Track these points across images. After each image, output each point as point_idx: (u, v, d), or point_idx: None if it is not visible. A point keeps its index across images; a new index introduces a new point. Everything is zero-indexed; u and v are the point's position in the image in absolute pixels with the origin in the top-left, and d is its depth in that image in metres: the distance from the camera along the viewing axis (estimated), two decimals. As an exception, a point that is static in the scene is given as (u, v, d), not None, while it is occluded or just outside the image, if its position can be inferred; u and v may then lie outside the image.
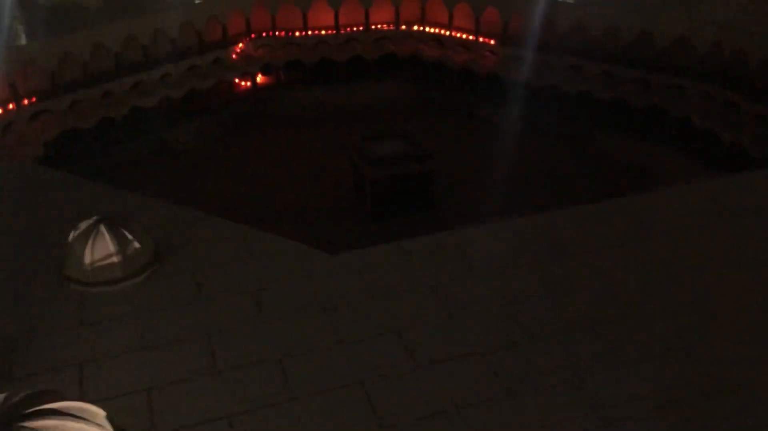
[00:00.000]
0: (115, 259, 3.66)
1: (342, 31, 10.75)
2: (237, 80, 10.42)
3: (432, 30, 10.82)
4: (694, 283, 3.56)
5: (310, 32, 10.69)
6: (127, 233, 3.73)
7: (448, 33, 10.64)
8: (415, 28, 10.89)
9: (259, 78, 10.72)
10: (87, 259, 3.65)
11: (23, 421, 2.04)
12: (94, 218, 3.75)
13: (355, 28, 10.81)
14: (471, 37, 10.38)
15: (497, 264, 3.80)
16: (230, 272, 3.78)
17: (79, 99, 8.43)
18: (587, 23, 9.05)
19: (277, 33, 10.65)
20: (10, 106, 7.90)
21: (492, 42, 10.18)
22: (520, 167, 8.04)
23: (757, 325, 3.24)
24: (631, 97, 8.68)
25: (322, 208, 7.52)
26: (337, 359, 3.12)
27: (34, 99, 8.13)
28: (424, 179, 7.13)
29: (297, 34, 10.66)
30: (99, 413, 2.27)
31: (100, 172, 7.96)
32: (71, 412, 2.22)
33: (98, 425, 2.21)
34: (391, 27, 10.91)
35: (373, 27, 10.85)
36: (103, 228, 3.68)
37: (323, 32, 10.72)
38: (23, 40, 8.29)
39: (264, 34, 10.60)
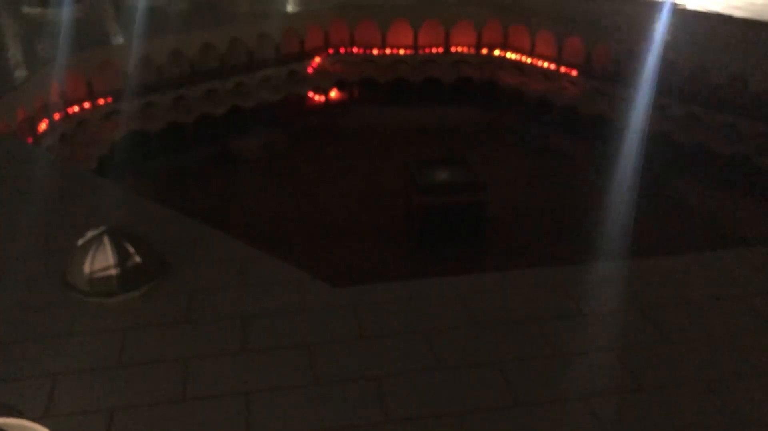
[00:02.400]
0: (113, 272, 3.63)
1: (420, 52, 10.61)
2: (310, 94, 10.48)
3: (513, 56, 10.50)
4: None
5: (387, 51, 10.61)
6: (129, 246, 3.69)
7: (529, 60, 10.29)
8: (496, 53, 10.60)
9: (333, 93, 10.74)
10: (86, 269, 3.63)
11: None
12: (102, 228, 3.73)
13: (434, 50, 10.65)
14: (552, 66, 10.00)
15: (500, 317, 3.50)
16: (222, 297, 3.67)
17: (152, 102, 8.68)
18: (675, 61, 8.50)
19: (354, 50, 10.64)
20: (86, 105, 8.22)
21: (573, 72, 9.76)
22: (584, 207, 7.58)
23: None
24: (716, 143, 8.06)
25: (370, 232, 7.36)
26: (307, 403, 2.94)
27: (110, 99, 8.43)
28: (476, 209, 6.84)
29: (374, 51, 10.60)
30: (41, 432, 2.20)
31: (156, 177, 8.20)
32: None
33: (34, 446, 2.15)
34: (471, 50, 10.67)
35: (452, 50, 10.65)
36: (106, 239, 3.66)
37: (401, 51, 10.61)
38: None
39: (341, 50, 10.62)
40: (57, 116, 7.64)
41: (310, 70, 10.34)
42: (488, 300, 3.65)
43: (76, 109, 8.08)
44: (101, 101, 8.32)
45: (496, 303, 3.63)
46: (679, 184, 8.30)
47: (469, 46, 10.66)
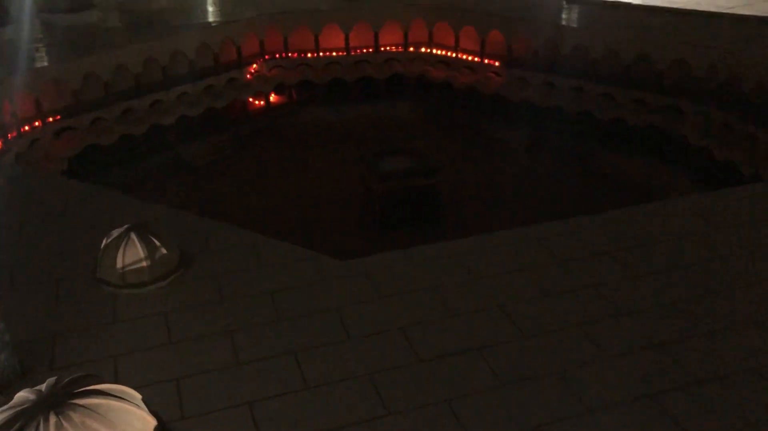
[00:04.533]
0: (144, 264, 4.00)
1: (352, 53, 11.16)
2: (251, 99, 10.84)
3: (439, 52, 11.21)
4: (678, 289, 3.85)
5: (321, 54, 11.10)
6: (155, 240, 4.07)
7: (454, 55, 11.03)
8: (423, 50, 11.29)
9: (273, 97, 11.14)
10: (119, 263, 3.98)
11: (73, 399, 2.36)
12: (126, 226, 4.08)
13: (365, 50, 11.23)
14: (476, 59, 10.77)
15: (495, 271, 4.10)
16: (247, 277, 4.10)
17: (101, 117, 8.84)
18: (589, 46, 9.40)
19: (289, 54, 11.07)
20: (36, 123, 8.31)
21: (497, 63, 10.55)
22: (524, 183, 8.38)
23: (737, 325, 3.53)
24: (630, 117, 9.01)
25: (332, 220, 7.87)
26: (346, 354, 3.43)
27: (58, 117, 8.54)
28: (431, 193, 7.48)
29: (309, 55, 11.07)
30: (136, 395, 2.60)
31: (119, 187, 8.39)
32: (113, 393, 2.55)
33: (136, 405, 2.54)
34: (400, 49, 11.32)
35: (382, 49, 11.26)
36: (133, 235, 4.02)
37: (334, 54, 11.14)
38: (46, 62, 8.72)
39: (277, 56, 11.03)
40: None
41: (249, 76, 10.70)
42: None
43: None
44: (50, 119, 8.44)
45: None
46: (600, 154, 9.24)
47: (397, 45, 11.31)
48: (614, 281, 3.94)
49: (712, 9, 10.18)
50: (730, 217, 4.64)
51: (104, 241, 4.10)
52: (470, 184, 8.70)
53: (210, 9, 11.55)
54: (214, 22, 10.65)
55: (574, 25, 10.09)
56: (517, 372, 3.27)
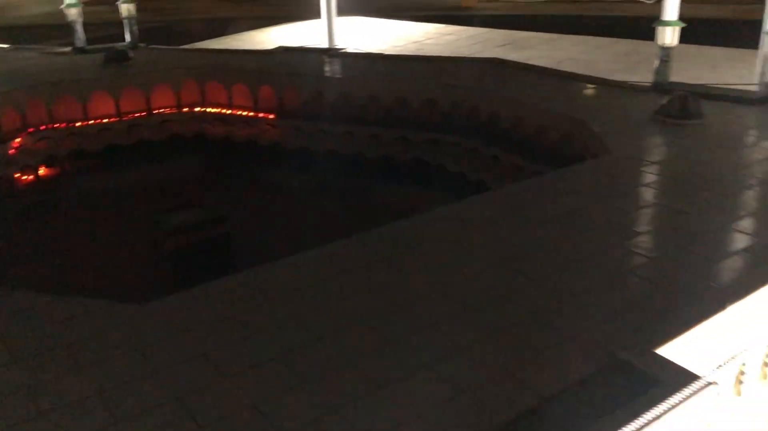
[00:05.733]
0: None
1: (125, 118, 11.10)
2: (18, 174, 10.30)
3: (214, 110, 11.55)
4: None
5: (92, 121, 10.91)
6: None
7: (229, 111, 11.43)
8: (198, 109, 11.55)
9: (43, 170, 10.67)
10: None
11: None
12: None
13: (137, 114, 11.22)
14: (251, 114, 11.27)
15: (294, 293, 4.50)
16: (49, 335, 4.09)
17: None
18: (352, 94, 10.33)
19: (56, 125, 10.73)
20: None
21: (271, 116, 11.13)
22: (306, 222, 8.92)
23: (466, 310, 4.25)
24: (396, 153, 10.02)
25: (124, 283, 7.78)
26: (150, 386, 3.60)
27: None
28: (221, 242, 7.73)
29: (78, 124, 10.82)
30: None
31: None
32: None
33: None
34: (174, 110, 11.47)
35: (155, 111, 11.33)
36: None
37: (106, 120, 11.00)
38: None
39: (42, 127, 10.63)
40: None
41: (12, 151, 10.18)
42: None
43: None
44: None
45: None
46: (372, 189, 10.13)
47: (171, 107, 11.45)
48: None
49: (454, 55, 11.73)
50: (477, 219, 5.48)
51: None
52: (258, 230, 9.07)
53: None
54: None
55: (338, 76, 11.03)
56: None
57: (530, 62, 10.53)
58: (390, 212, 9.33)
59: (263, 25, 16.87)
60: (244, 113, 11.32)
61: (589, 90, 9.02)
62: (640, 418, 3.00)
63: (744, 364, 4.13)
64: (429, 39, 13.88)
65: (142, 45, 13.17)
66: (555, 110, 8.10)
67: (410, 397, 3.33)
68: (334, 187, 10.12)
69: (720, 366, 3.88)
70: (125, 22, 13.13)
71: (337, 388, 3.42)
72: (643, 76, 8.80)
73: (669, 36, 8.06)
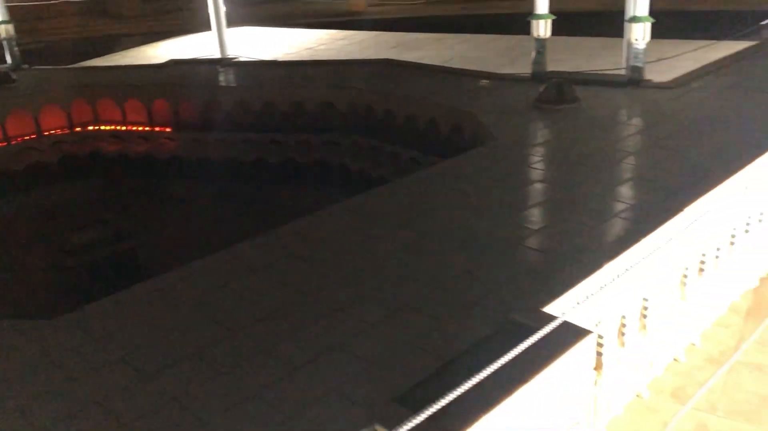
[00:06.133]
0: None
1: (13, 142, 10.73)
2: None
3: (108, 128, 11.33)
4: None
5: (-25, 148, 10.49)
6: None
7: (124, 128, 11.25)
8: (91, 128, 11.30)
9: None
10: None
11: None
12: None
13: (27, 137, 10.87)
14: (147, 128, 11.14)
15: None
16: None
17: None
18: (249, 101, 10.42)
19: (-62, 153, 10.26)
20: None
21: (168, 129, 11.05)
22: (211, 231, 8.96)
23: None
24: (298, 156, 10.19)
25: (29, 301, 7.59)
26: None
27: None
28: (126, 258, 7.66)
29: (-39, 151, 10.39)
30: None
31: None
32: None
33: None
34: (66, 131, 11.18)
35: (46, 133, 11.00)
36: None
37: (-8, 146, 10.60)
38: None
39: None
40: None
41: None
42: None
43: None
44: None
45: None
46: (279, 193, 10.25)
47: (62, 127, 11.16)
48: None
49: (347, 58, 12.02)
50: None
51: None
52: (164, 242, 9.03)
53: None
54: None
55: (233, 85, 11.09)
56: (232, 361, 3.81)
57: (421, 62, 10.95)
58: (296, 213, 9.49)
59: (151, 40, 16.62)
60: (140, 128, 11.19)
61: (476, 83, 9.51)
62: (531, 370, 3.31)
63: (625, 317, 4.59)
64: (322, 45, 14.10)
65: (25, 66, 12.74)
66: (445, 104, 8.52)
67: (323, 375, 3.54)
68: (238, 193, 10.19)
69: (602, 320, 4.32)
70: (5, 43, 12.69)
71: (254, 375, 3.59)
72: (524, 68, 9.36)
73: (542, 28, 8.65)
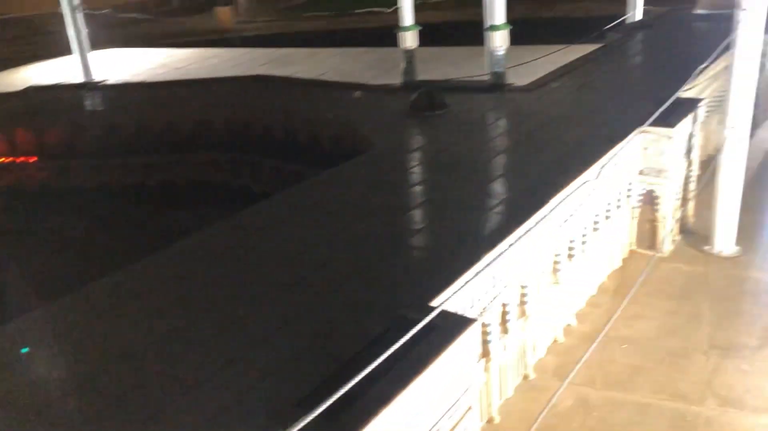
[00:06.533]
0: None
1: None
2: None
3: (-36, 161, 10.60)
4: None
5: None
6: None
7: (-18, 161, 10.58)
8: (-56, 163, 10.54)
9: None
10: None
11: None
12: None
13: None
14: (8, 159, 10.53)
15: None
16: None
17: None
18: (120, 125, 10.11)
19: None
20: None
21: (32, 159, 10.49)
22: (85, 260, 8.59)
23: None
24: (174, 177, 10.00)
25: None
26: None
27: None
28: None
29: None
30: None
31: None
32: None
33: None
34: None
35: None
36: None
37: None
38: None
39: None
40: None
41: None
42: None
43: None
44: None
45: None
46: (165, 215, 9.98)
47: None
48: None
49: (215, 76, 11.93)
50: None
51: None
52: (33, 278, 8.55)
53: None
54: None
55: (100, 109, 10.71)
56: (126, 387, 3.74)
57: (295, 77, 11.06)
58: (179, 234, 9.24)
59: (4, 67, 15.66)
60: (2, 159, 10.54)
61: (351, 95, 9.73)
62: (423, 362, 3.47)
63: (506, 305, 4.90)
64: (191, 64, 13.88)
65: None
66: (323, 117, 8.67)
67: (224, 388, 3.55)
68: (115, 220, 9.82)
69: (486, 309, 4.59)
70: None
71: (153, 397, 3.54)
72: (395, 79, 9.68)
73: (409, 39, 9.01)
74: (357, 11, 23.51)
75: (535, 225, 4.98)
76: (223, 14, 25.05)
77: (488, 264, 4.46)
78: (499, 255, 4.56)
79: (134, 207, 10.05)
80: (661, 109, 6.26)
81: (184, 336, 4.08)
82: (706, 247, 6.75)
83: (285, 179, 8.89)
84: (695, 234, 7.07)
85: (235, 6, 26.69)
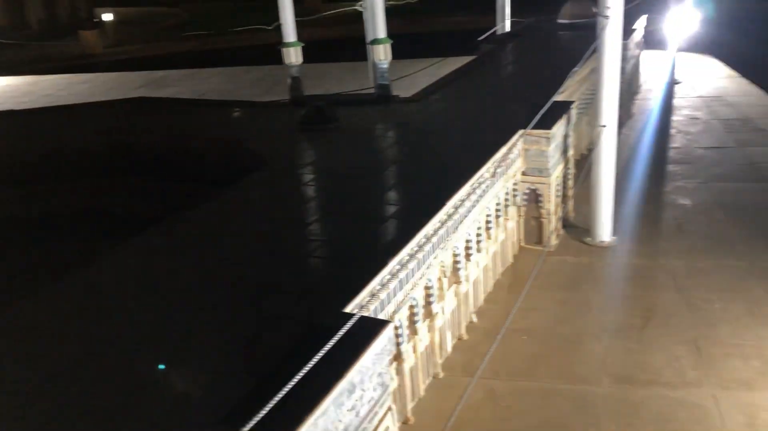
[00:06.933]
0: None
1: None
2: None
3: None
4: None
5: None
6: None
7: None
8: None
9: None
10: None
11: None
12: None
13: None
14: None
15: None
16: None
17: None
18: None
19: None
20: None
21: None
22: None
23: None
24: (56, 207, 9.46)
25: None
26: None
27: None
28: None
29: None
30: None
31: None
32: None
33: None
34: None
35: None
36: None
37: None
38: None
39: None
40: None
41: None
42: None
43: None
44: None
45: None
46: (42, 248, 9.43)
47: None
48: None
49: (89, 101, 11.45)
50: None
51: None
52: None
53: None
54: None
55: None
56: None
57: (174, 97, 10.82)
58: (72, 266, 8.77)
59: None
60: None
61: (238, 114, 9.65)
62: (343, 367, 3.51)
63: (413, 307, 5.04)
64: (61, 90, 13.26)
65: None
66: (211, 136, 8.54)
67: (140, 417, 3.45)
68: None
69: (395, 311, 4.71)
70: None
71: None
72: (281, 95, 9.72)
73: (293, 55, 9.08)
74: (237, 29, 23.28)
75: (434, 230, 5.18)
76: (90, 38, 23.97)
77: (397, 272, 4.58)
78: (408, 258, 4.69)
79: (12, 240, 9.40)
80: (541, 112, 6.68)
81: (89, 369, 3.91)
82: (588, 239, 7.26)
83: (176, 202, 8.66)
84: (577, 227, 7.58)
85: (102, 29, 25.61)
